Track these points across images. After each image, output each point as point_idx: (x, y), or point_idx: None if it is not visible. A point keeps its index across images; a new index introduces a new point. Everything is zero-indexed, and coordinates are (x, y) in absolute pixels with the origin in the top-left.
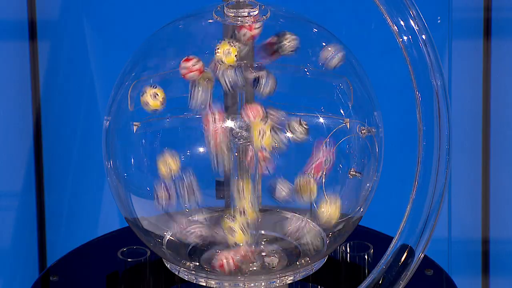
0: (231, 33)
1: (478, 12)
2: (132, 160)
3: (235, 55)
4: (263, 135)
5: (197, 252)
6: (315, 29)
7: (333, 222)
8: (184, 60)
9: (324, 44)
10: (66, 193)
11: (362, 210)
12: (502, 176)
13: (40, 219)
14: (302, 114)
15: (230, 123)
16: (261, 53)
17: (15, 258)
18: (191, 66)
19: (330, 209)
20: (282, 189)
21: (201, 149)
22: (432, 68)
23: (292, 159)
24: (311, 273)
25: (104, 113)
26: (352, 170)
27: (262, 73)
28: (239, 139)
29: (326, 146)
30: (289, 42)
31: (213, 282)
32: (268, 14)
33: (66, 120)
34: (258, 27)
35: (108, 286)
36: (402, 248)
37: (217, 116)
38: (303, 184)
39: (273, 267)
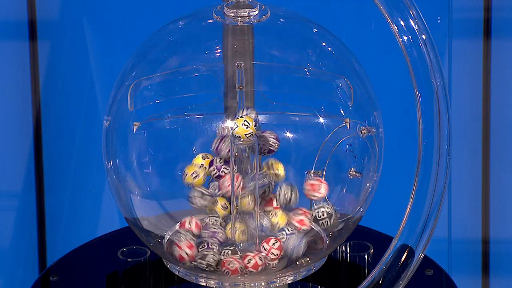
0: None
1: (478, 12)
2: (132, 160)
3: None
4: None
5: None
6: (315, 29)
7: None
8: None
9: (323, 44)
10: (66, 193)
11: (362, 210)
12: (502, 176)
13: (40, 219)
14: (302, 114)
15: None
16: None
17: (15, 258)
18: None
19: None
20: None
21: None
22: (432, 68)
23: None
24: (311, 273)
25: (104, 113)
26: (352, 170)
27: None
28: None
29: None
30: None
31: (213, 282)
32: (268, 14)
33: (66, 120)
34: None
35: (108, 286)
36: (402, 248)
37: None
38: None
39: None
